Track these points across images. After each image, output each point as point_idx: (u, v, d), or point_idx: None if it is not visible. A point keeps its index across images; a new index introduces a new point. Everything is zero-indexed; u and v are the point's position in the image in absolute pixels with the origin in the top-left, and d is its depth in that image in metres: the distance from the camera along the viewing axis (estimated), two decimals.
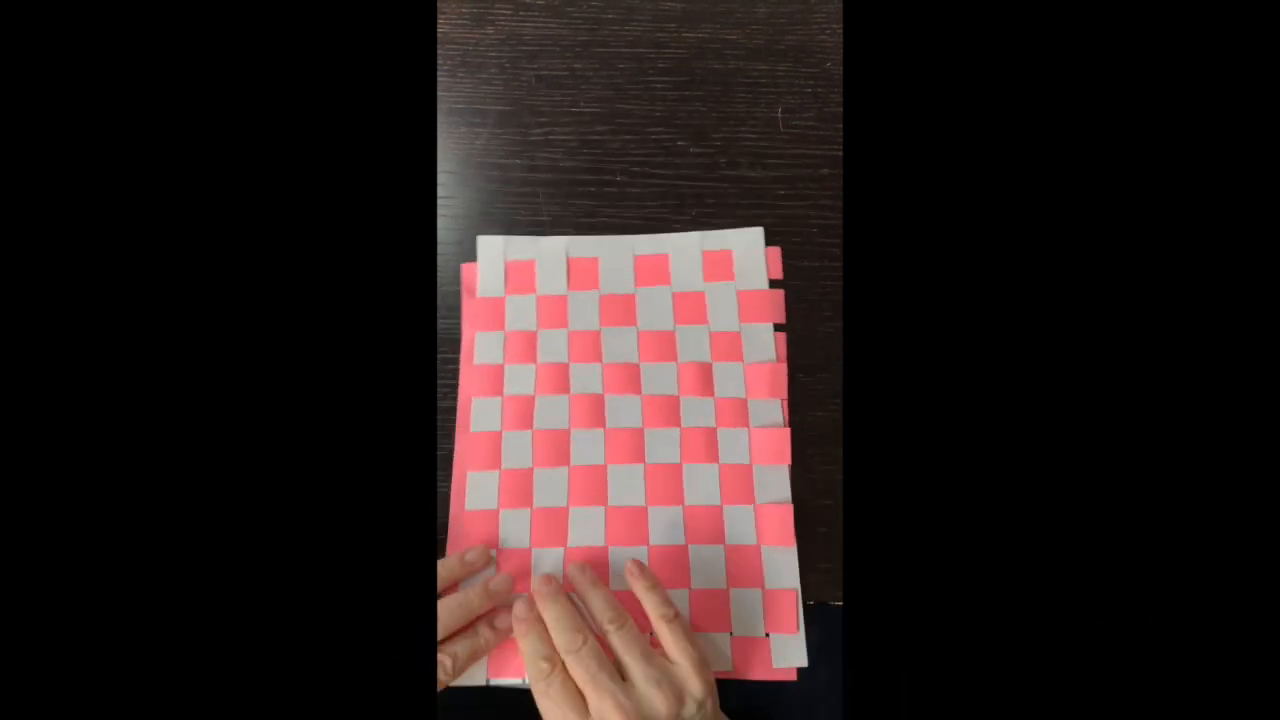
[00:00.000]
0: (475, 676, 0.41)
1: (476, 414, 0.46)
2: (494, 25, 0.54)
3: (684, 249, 0.49)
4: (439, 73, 0.53)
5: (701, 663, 0.37)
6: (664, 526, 0.44)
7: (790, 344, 0.47)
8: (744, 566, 0.43)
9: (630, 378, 0.46)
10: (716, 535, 0.44)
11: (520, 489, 0.44)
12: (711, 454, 0.45)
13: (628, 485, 0.44)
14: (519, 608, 0.40)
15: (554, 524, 0.44)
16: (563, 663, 0.37)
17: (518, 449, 0.45)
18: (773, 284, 0.49)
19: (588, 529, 0.44)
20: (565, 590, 0.41)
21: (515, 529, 0.44)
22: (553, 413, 0.46)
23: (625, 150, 0.52)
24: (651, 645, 0.39)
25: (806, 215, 0.50)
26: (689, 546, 0.43)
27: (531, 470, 0.45)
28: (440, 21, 0.54)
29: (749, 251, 0.49)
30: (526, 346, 0.47)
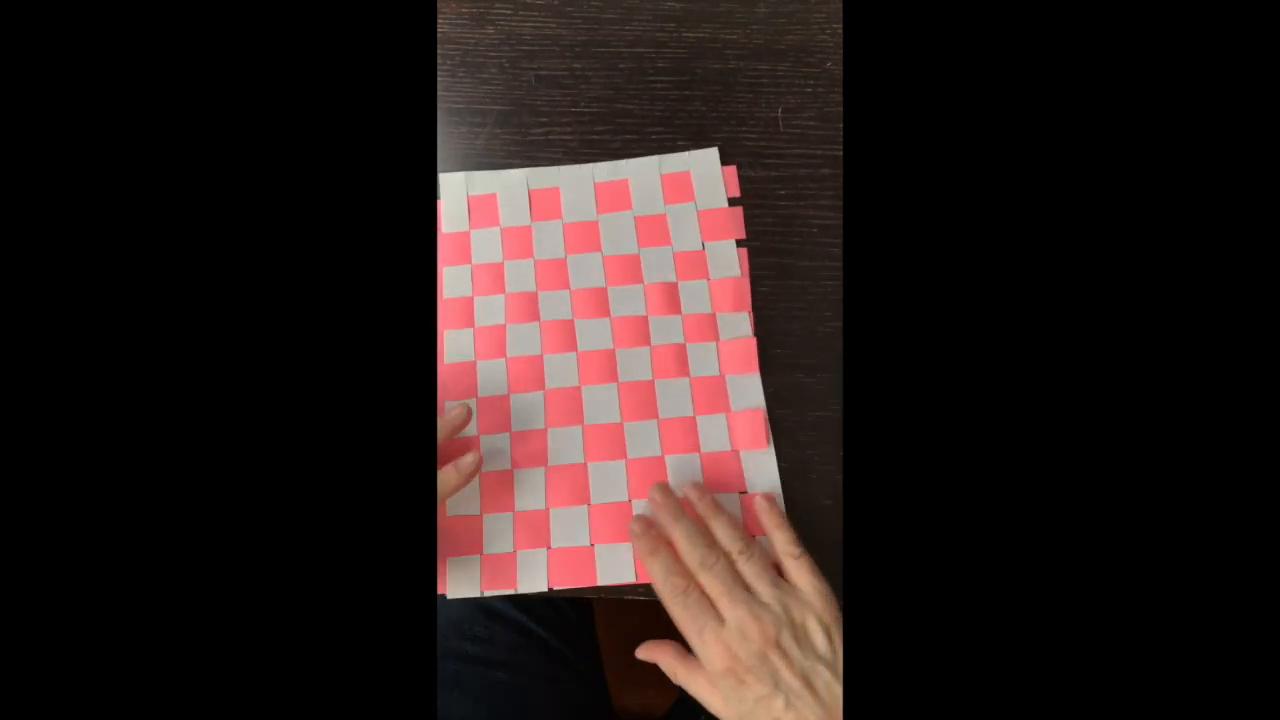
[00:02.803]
0: (469, 588, 0.42)
1: (450, 346, 0.47)
2: (494, 25, 0.54)
3: (643, 173, 0.51)
4: (439, 73, 0.53)
5: (829, 595, 0.39)
6: (640, 439, 0.45)
7: (790, 344, 0.47)
8: (721, 473, 0.44)
9: (598, 301, 0.48)
10: (691, 445, 0.45)
11: (497, 416, 0.45)
12: (682, 369, 0.46)
13: (603, 404, 0.45)
14: (636, 525, 0.41)
15: (533, 446, 0.45)
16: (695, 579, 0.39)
17: (493, 377, 0.46)
18: (731, 202, 0.50)
19: (567, 448, 0.45)
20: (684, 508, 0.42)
21: (496, 452, 0.45)
22: (525, 340, 0.47)
23: (625, 150, 0.52)
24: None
25: (806, 215, 0.50)
26: (665, 457, 0.45)
27: (508, 396, 0.46)
28: (440, 21, 0.54)
29: (706, 172, 0.51)
30: (494, 278, 0.49)
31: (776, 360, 0.46)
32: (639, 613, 0.44)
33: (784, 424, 0.45)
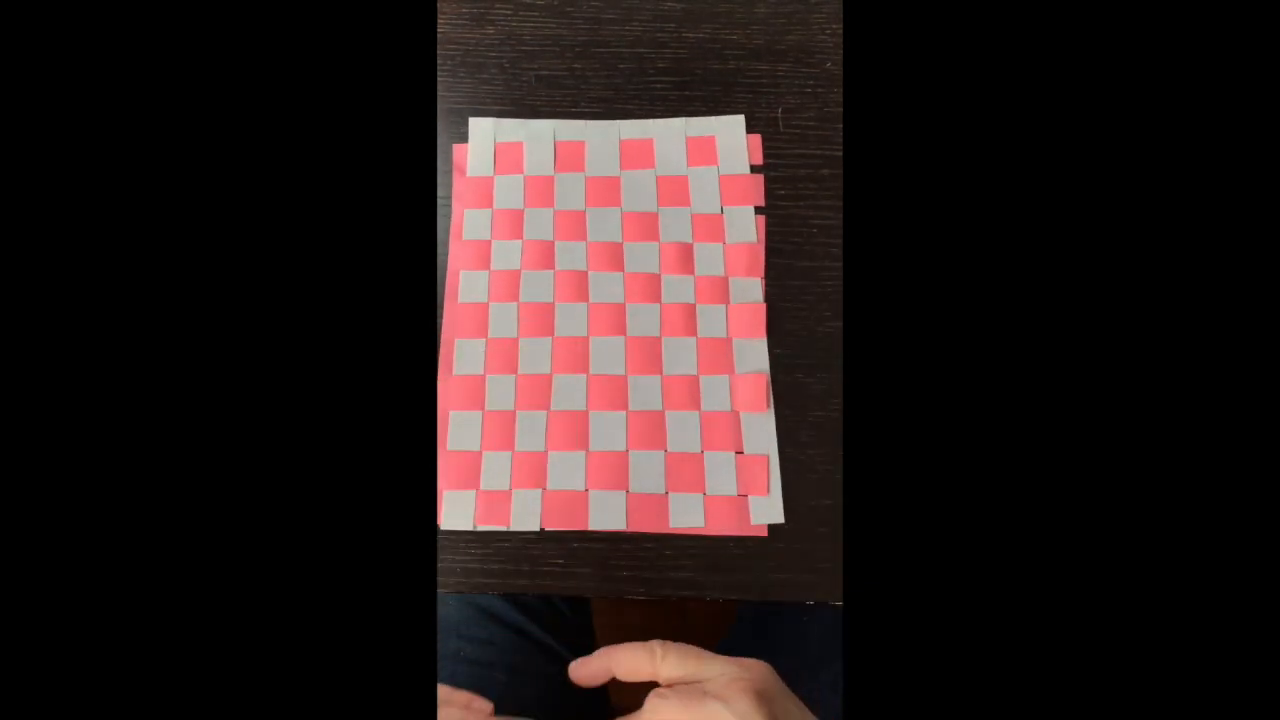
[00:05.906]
0: (463, 521, 0.43)
1: (464, 286, 0.48)
2: (494, 25, 0.54)
3: (668, 134, 0.51)
4: (439, 73, 0.53)
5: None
6: (643, 393, 0.46)
7: (790, 344, 0.47)
8: (719, 432, 0.45)
9: (613, 256, 0.49)
10: (692, 402, 0.46)
11: (505, 356, 0.47)
12: (690, 328, 0.47)
13: (609, 356, 0.46)
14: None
15: (538, 388, 0.46)
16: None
17: (504, 319, 0.47)
18: (753, 169, 0.50)
19: (570, 394, 0.46)
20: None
21: (501, 392, 0.46)
22: (538, 287, 0.48)
23: None
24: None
25: (806, 215, 0.50)
26: (665, 412, 0.45)
27: (517, 340, 0.47)
28: (440, 21, 0.54)
29: (731, 137, 0.51)
30: (514, 223, 0.49)
31: (776, 360, 0.46)
32: (638, 612, 0.44)
33: (784, 424, 0.45)
